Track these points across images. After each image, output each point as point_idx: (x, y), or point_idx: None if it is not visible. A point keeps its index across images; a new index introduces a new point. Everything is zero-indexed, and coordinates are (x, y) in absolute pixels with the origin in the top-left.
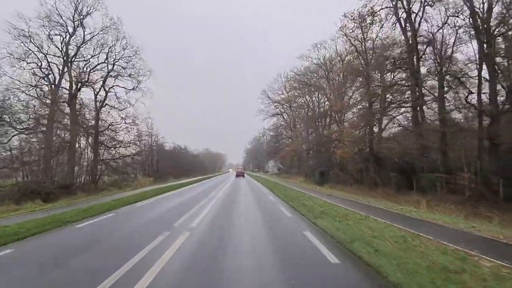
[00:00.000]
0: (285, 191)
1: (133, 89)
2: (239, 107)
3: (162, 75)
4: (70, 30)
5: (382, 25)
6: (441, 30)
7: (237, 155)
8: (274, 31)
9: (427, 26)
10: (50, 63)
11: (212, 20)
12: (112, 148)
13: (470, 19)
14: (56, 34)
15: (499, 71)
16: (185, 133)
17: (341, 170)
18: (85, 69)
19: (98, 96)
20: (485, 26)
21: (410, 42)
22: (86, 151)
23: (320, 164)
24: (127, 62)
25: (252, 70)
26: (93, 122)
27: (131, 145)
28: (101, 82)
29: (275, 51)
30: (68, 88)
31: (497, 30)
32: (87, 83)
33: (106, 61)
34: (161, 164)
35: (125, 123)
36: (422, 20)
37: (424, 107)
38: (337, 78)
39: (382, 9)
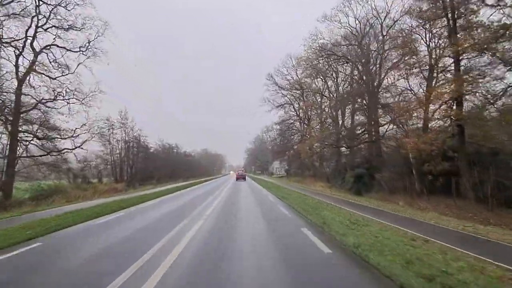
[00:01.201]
0: (376, 238)
1: (80, 50)
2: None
3: (149, 63)
4: None
5: None
6: None
7: (238, 157)
8: (267, 24)
9: None
10: None
11: (205, 12)
12: (46, 140)
13: None
14: None
15: None
16: (180, 132)
17: (398, 172)
18: None
19: (20, 58)
20: None
21: None
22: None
23: (352, 164)
24: (67, 8)
25: (245, 63)
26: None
27: (75, 135)
28: (28, 38)
29: (268, 43)
30: None
31: None
32: None
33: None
34: (142, 165)
35: (64, 99)
36: None
37: None
38: (375, 44)
39: None
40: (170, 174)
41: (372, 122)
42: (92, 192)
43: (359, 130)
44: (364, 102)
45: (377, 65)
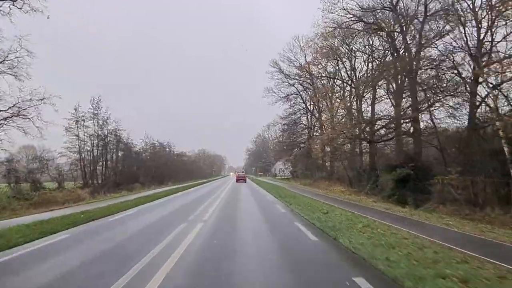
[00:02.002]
0: None
1: None
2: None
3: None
4: None
5: None
6: None
7: (239, 158)
8: (275, 20)
9: None
10: None
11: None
12: None
13: None
14: None
15: None
16: (179, 132)
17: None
18: None
19: None
20: None
21: None
22: None
23: (390, 164)
24: None
25: (245, 64)
26: None
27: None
28: None
29: (277, 40)
30: None
31: None
32: None
33: None
34: (123, 166)
35: None
36: None
37: None
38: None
39: None
40: (158, 177)
41: (404, 109)
42: (37, 202)
43: (386, 120)
44: (392, 86)
45: (416, 37)
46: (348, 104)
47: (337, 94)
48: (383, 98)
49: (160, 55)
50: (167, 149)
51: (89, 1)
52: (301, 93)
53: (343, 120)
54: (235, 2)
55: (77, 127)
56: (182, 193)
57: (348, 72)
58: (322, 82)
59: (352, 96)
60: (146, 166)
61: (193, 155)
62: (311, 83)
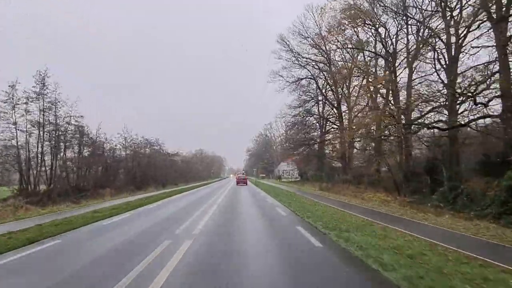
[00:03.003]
0: None
1: None
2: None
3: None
4: None
5: None
6: None
7: (239, 159)
8: (274, 17)
9: None
10: None
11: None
12: None
13: None
14: None
15: None
16: (182, 135)
17: None
18: None
19: None
20: None
21: None
22: None
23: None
24: None
25: (245, 64)
26: None
27: None
28: None
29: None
30: None
31: None
32: None
33: None
34: (89, 167)
35: None
36: None
37: None
38: None
39: None
40: (139, 180)
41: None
42: None
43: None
44: (443, 56)
45: None
46: (387, 80)
47: (369, 70)
48: (419, 80)
49: (160, 55)
50: (155, 147)
51: (89, 1)
52: (315, 77)
53: (378, 100)
54: (235, 2)
55: (14, 111)
56: (156, 205)
57: (385, 41)
58: (339, 65)
59: (390, 72)
60: (125, 167)
61: (190, 155)
62: (327, 63)
